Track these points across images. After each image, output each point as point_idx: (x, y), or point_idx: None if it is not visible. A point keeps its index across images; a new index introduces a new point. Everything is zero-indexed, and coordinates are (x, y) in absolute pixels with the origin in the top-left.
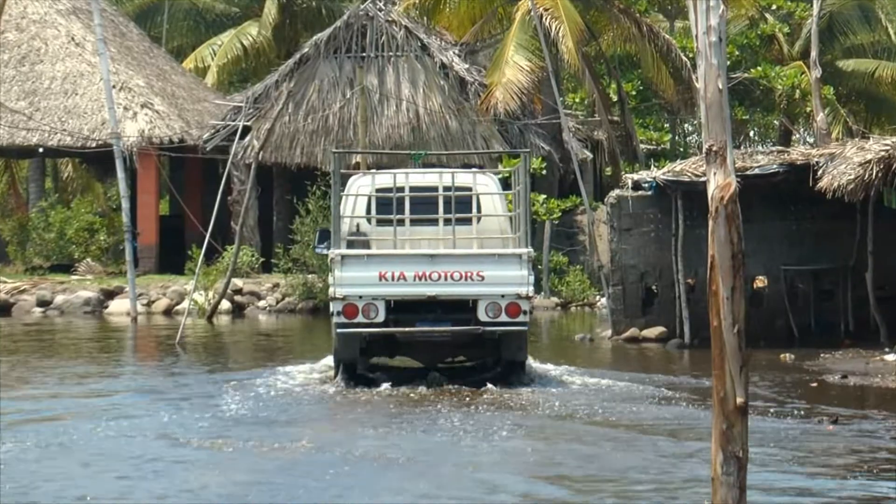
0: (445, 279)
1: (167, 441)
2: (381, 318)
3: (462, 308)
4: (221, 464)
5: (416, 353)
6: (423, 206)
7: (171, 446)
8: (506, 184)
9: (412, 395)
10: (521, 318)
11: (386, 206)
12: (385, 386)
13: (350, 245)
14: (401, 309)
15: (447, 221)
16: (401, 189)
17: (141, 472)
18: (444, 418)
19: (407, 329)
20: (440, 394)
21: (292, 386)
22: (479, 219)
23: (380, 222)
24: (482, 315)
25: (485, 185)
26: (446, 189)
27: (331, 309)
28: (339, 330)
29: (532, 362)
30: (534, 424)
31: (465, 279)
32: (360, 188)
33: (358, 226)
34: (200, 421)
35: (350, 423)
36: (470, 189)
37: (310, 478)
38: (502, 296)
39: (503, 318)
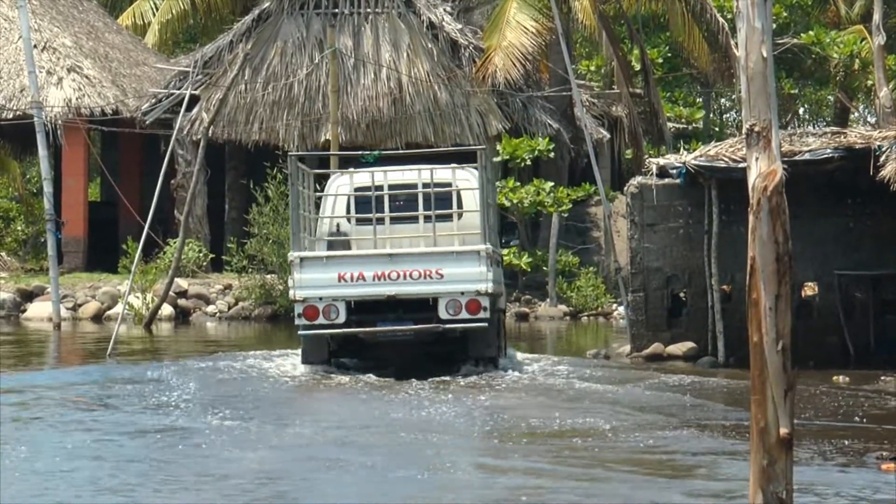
0: (405, 278)
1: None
2: (342, 319)
3: (424, 307)
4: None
5: (384, 354)
6: (404, 203)
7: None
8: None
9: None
10: (481, 315)
11: (366, 204)
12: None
13: (331, 245)
14: (363, 309)
15: (427, 219)
16: (379, 187)
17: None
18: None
19: (369, 329)
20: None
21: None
22: (460, 215)
23: (360, 221)
24: (443, 313)
25: (465, 180)
26: (425, 186)
27: (294, 311)
28: (300, 332)
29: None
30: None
31: (425, 277)
32: (340, 188)
33: (338, 226)
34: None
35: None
36: (450, 185)
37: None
38: (462, 293)
39: (464, 314)
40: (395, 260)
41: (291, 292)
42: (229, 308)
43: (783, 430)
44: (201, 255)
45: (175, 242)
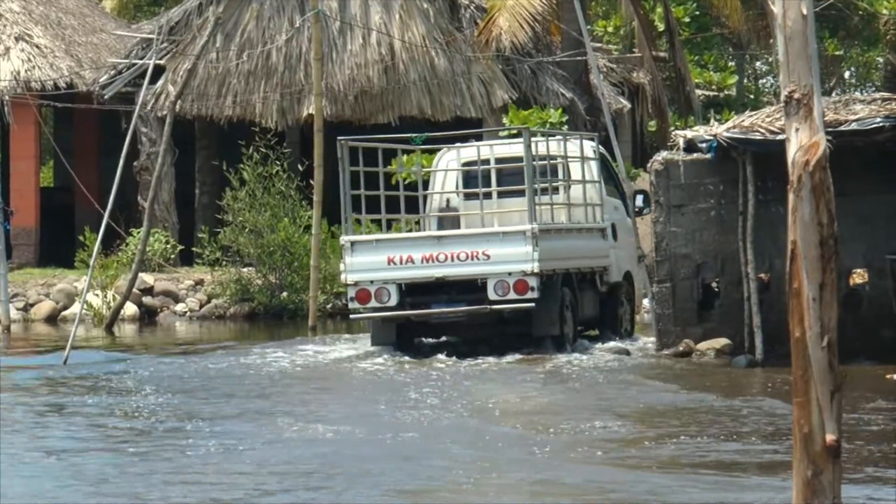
0: (452, 260)
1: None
2: (393, 301)
3: (474, 288)
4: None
5: (451, 336)
6: (511, 177)
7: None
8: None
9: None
10: (529, 295)
11: (474, 178)
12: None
13: (441, 221)
14: (416, 291)
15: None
16: (486, 162)
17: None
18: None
19: (421, 311)
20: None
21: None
22: (567, 187)
23: (468, 196)
24: (491, 294)
25: (573, 152)
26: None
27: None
28: (352, 316)
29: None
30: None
31: (472, 259)
32: (449, 163)
33: (448, 201)
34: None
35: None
36: (557, 158)
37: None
38: (509, 273)
39: (512, 295)
40: (443, 242)
41: (343, 276)
42: (201, 306)
43: (830, 437)
44: (169, 246)
45: (139, 233)
